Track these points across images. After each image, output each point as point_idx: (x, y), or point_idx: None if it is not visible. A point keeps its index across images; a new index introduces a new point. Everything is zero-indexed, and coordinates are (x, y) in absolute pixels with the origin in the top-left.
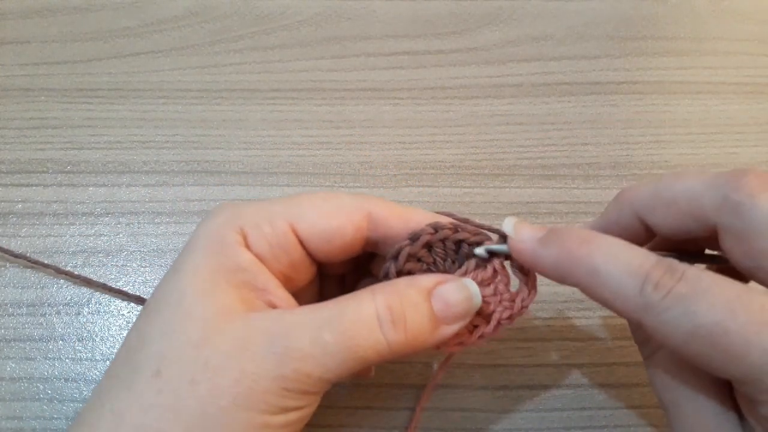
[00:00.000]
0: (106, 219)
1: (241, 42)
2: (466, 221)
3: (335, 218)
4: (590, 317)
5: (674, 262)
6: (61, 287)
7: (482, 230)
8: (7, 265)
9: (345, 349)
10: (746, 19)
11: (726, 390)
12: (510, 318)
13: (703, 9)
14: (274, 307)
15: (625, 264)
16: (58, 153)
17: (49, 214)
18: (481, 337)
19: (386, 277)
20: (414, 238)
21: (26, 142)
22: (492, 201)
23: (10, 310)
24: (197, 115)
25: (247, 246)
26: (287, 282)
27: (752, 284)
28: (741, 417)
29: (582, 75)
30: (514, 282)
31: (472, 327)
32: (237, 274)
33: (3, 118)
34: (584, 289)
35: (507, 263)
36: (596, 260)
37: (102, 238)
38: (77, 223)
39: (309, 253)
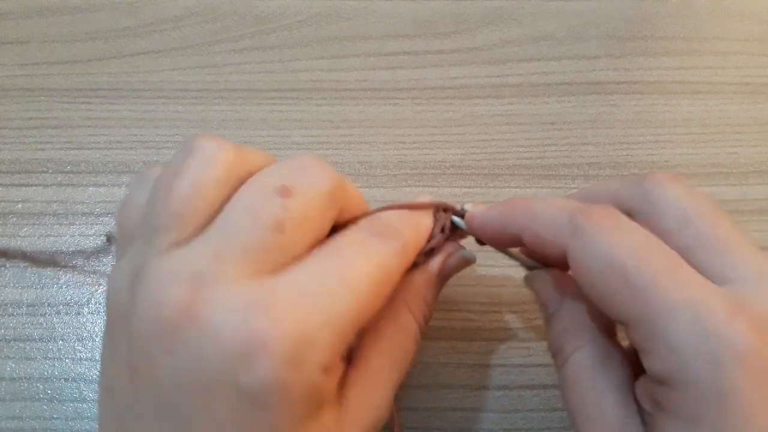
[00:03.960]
0: (106, 219)
1: (241, 42)
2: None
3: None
4: None
5: (609, 206)
6: (61, 287)
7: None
8: (7, 264)
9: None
10: (746, 19)
11: (629, 394)
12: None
13: (703, 9)
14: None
15: (560, 203)
16: (58, 153)
17: (49, 214)
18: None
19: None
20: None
21: (26, 142)
22: (492, 201)
23: (10, 310)
24: (197, 115)
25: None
26: None
27: None
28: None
29: (582, 75)
30: None
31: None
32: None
33: (3, 118)
34: (523, 233)
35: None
36: (534, 204)
37: (102, 238)
38: (77, 223)
39: None
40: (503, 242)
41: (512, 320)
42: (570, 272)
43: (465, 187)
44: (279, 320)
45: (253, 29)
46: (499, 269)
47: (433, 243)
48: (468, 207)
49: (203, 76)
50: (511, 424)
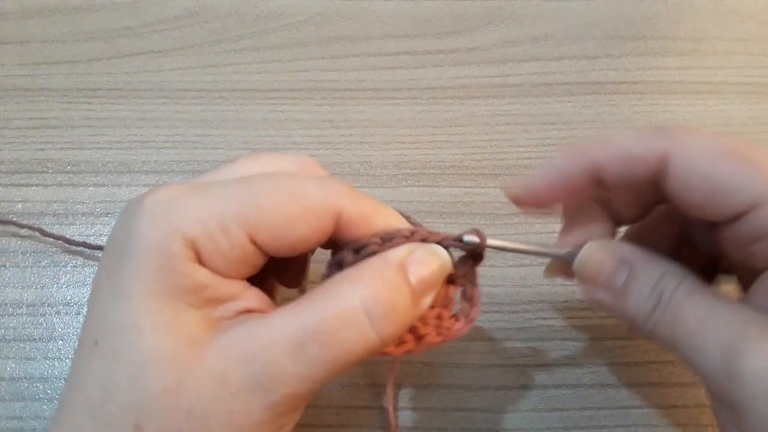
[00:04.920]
0: (106, 219)
1: (241, 42)
2: (418, 226)
3: (301, 225)
4: (590, 317)
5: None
6: (61, 287)
7: (447, 236)
8: (7, 264)
9: (333, 358)
10: (746, 19)
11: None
12: (438, 343)
13: (703, 9)
14: (247, 311)
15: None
16: (58, 153)
17: (49, 214)
18: (406, 353)
19: (339, 266)
20: (386, 238)
21: (26, 142)
22: (492, 201)
23: (10, 310)
24: (197, 115)
25: (200, 262)
26: (250, 274)
27: None
28: None
29: (582, 75)
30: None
31: (401, 342)
32: (196, 293)
33: (3, 118)
34: (605, 159)
35: (457, 292)
36: (607, 137)
37: (102, 238)
38: (77, 223)
39: (267, 253)
40: (571, 190)
41: (512, 320)
42: (660, 193)
43: (465, 187)
44: (166, 192)
45: (253, 29)
46: (499, 269)
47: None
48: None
49: (203, 76)
50: (511, 424)
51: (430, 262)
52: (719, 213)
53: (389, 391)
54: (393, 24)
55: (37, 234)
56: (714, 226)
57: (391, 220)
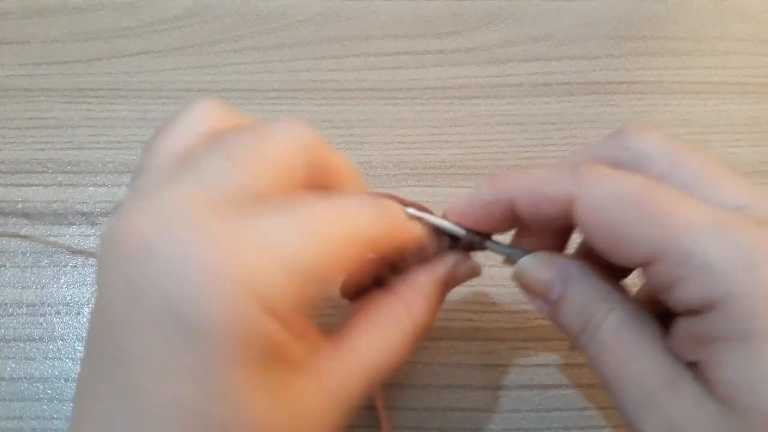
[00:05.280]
0: (106, 219)
1: (241, 42)
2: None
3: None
4: None
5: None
6: (61, 287)
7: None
8: (8, 264)
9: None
10: (746, 19)
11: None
12: None
13: (703, 9)
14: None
15: (554, 166)
16: (58, 153)
17: (49, 214)
18: None
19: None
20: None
21: (26, 142)
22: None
23: (10, 310)
24: None
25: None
26: None
27: None
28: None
29: (582, 75)
30: None
31: None
32: (272, 353)
33: (3, 118)
34: (518, 196)
35: None
36: (524, 172)
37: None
38: (77, 223)
39: None
40: (492, 220)
41: (512, 320)
42: (574, 225)
43: (465, 187)
44: (231, 256)
45: (253, 29)
46: (499, 269)
47: (431, 250)
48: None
49: (203, 76)
50: (511, 424)
51: (467, 275)
52: (622, 261)
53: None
54: (393, 24)
55: (36, 234)
56: None
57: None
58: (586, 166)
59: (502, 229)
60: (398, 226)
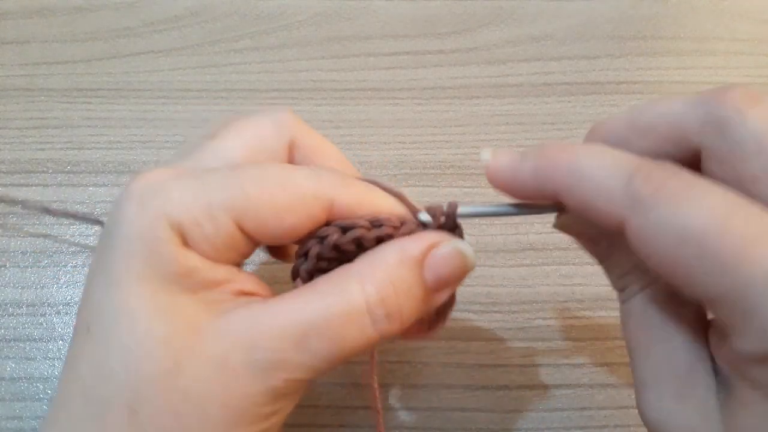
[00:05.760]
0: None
1: (241, 42)
2: (400, 196)
3: (291, 216)
4: (590, 317)
5: (669, 163)
6: (61, 287)
7: (407, 217)
8: (8, 264)
9: (335, 351)
10: (746, 19)
11: (702, 337)
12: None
13: (703, 9)
14: (244, 293)
15: (612, 159)
16: (58, 153)
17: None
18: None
19: (296, 275)
20: (375, 224)
21: (26, 142)
22: (492, 201)
23: (10, 310)
24: (197, 115)
25: (187, 245)
26: (242, 261)
27: None
28: (714, 366)
29: (582, 75)
30: None
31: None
32: (188, 277)
33: (3, 118)
34: (566, 193)
35: None
36: (579, 159)
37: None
38: (77, 222)
39: (256, 241)
40: (537, 200)
41: (512, 320)
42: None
43: (465, 187)
44: (166, 191)
45: (253, 29)
46: (499, 269)
47: (392, 222)
48: (485, 155)
49: (203, 76)
50: (511, 424)
51: (453, 260)
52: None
53: (373, 388)
54: (393, 24)
55: (36, 234)
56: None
57: (383, 205)
58: (648, 178)
59: (550, 206)
60: (339, 189)
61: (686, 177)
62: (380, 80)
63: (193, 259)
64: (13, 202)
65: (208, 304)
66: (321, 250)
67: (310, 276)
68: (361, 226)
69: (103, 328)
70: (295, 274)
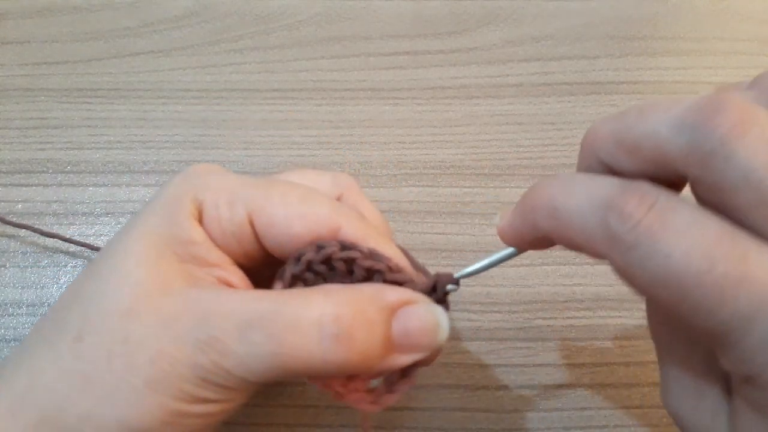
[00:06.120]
0: (106, 219)
1: (241, 42)
2: (408, 256)
3: (299, 226)
4: (590, 317)
5: (645, 186)
6: (61, 287)
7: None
8: (7, 264)
9: (272, 356)
10: (746, 19)
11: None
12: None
13: (703, 9)
14: (226, 283)
15: (586, 194)
16: (58, 153)
17: (49, 214)
18: (356, 402)
19: (280, 276)
20: (297, 257)
21: (26, 142)
22: (492, 201)
23: (10, 310)
24: (197, 115)
25: (200, 222)
26: (240, 262)
27: None
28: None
29: (582, 75)
30: None
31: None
32: (188, 246)
33: (3, 118)
34: (553, 235)
35: None
36: (555, 199)
37: (102, 238)
38: (77, 223)
39: (263, 245)
40: (545, 245)
41: (512, 320)
42: None
43: (465, 187)
44: (203, 165)
45: (253, 29)
46: (499, 269)
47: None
48: (496, 220)
49: (203, 76)
50: (512, 424)
51: (426, 323)
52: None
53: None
54: (393, 24)
55: (36, 234)
56: None
57: (387, 250)
58: (621, 214)
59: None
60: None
61: (662, 211)
62: (380, 80)
63: (197, 233)
64: None
65: (188, 274)
66: (314, 258)
67: (293, 282)
68: (360, 251)
69: (96, 266)
70: (279, 275)
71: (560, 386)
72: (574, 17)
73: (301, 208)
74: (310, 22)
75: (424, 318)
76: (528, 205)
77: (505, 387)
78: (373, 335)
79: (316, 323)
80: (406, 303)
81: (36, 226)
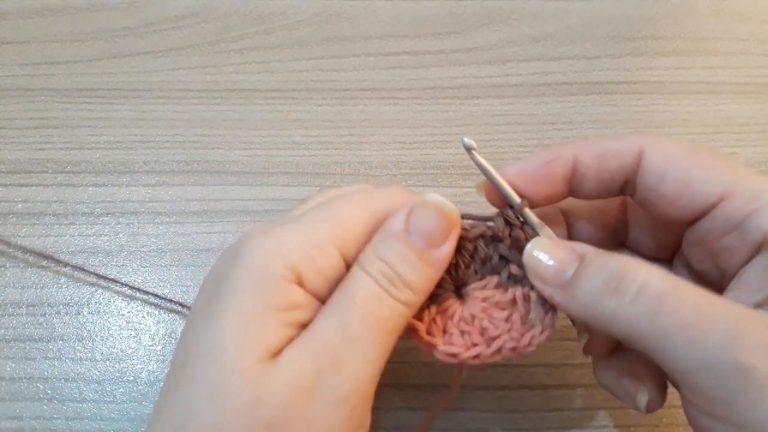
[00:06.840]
0: (106, 219)
1: (241, 42)
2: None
3: (373, 229)
4: None
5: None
6: (61, 287)
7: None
8: (7, 265)
9: (375, 330)
10: (746, 19)
11: None
12: (513, 350)
13: (703, 9)
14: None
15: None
16: (58, 153)
17: (49, 214)
18: (476, 357)
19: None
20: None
21: (26, 142)
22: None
23: (10, 310)
24: (197, 115)
25: (300, 284)
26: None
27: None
28: None
29: (582, 75)
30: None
31: (471, 344)
32: (289, 313)
33: (3, 118)
34: (582, 155)
35: (533, 295)
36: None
37: (102, 238)
38: (77, 223)
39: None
40: (551, 180)
41: None
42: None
43: (465, 187)
44: (278, 242)
45: (253, 29)
46: None
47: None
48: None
49: (203, 76)
50: (511, 424)
51: (430, 213)
52: (690, 205)
53: (434, 410)
54: (393, 24)
55: (36, 235)
56: (677, 229)
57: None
58: (647, 131)
59: (555, 196)
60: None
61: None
62: (380, 80)
63: (299, 295)
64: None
65: (292, 333)
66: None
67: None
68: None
69: (195, 364)
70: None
71: (560, 386)
72: (574, 17)
73: (371, 217)
74: (310, 22)
75: (424, 213)
76: (564, 144)
77: (505, 387)
78: (408, 261)
79: (377, 287)
80: (407, 217)
81: (89, 269)
